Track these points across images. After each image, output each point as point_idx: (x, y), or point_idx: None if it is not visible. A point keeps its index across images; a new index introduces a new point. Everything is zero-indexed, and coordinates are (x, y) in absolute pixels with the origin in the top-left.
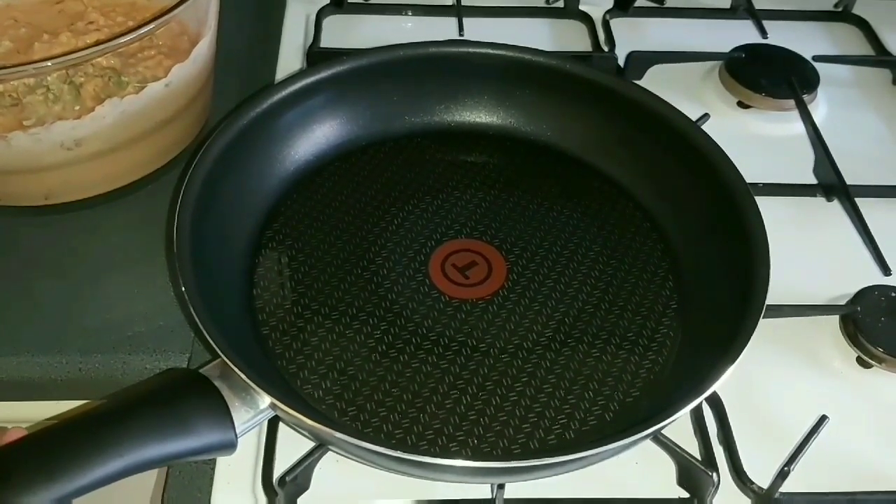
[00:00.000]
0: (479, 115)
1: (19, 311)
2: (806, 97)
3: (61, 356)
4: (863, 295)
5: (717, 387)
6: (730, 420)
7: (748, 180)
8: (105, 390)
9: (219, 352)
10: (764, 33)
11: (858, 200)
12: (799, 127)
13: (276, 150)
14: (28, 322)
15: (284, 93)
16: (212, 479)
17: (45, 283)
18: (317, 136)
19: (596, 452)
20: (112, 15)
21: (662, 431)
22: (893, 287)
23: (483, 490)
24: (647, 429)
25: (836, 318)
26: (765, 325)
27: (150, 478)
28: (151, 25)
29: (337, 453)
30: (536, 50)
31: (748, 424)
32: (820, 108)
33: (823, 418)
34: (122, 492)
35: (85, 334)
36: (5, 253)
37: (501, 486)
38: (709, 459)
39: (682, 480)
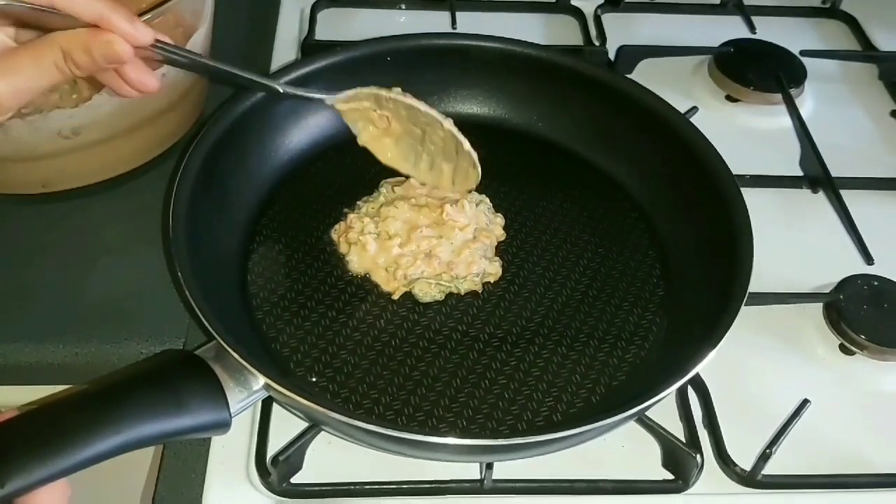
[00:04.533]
0: (471, 107)
1: (17, 297)
2: (793, 91)
3: (58, 342)
4: (846, 284)
5: (699, 369)
6: (714, 404)
7: (735, 172)
8: (101, 375)
9: (213, 333)
10: (752, 28)
11: (843, 192)
12: (786, 120)
13: (271, 140)
14: (25, 308)
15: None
16: (206, 458)
17: (41, 270)
18: (310, 126)
19: (582, 431)
20: None
21: (648, 414)
22: (876, 276)
23: (472, 471)
24: (631, 409)
25: (819, 306)
26: (750, 313)
27: (146, 457)
28: (147, 16)
29: (329, 434)
30: (528, 43)
31: (732, 408)
32: (807, 102)
33: (805, 402)
34: (119, 469)
35: (81, 320)
36: (3, 241)
37: (490, 466)
38: (693, 442)
39: (668, 462)
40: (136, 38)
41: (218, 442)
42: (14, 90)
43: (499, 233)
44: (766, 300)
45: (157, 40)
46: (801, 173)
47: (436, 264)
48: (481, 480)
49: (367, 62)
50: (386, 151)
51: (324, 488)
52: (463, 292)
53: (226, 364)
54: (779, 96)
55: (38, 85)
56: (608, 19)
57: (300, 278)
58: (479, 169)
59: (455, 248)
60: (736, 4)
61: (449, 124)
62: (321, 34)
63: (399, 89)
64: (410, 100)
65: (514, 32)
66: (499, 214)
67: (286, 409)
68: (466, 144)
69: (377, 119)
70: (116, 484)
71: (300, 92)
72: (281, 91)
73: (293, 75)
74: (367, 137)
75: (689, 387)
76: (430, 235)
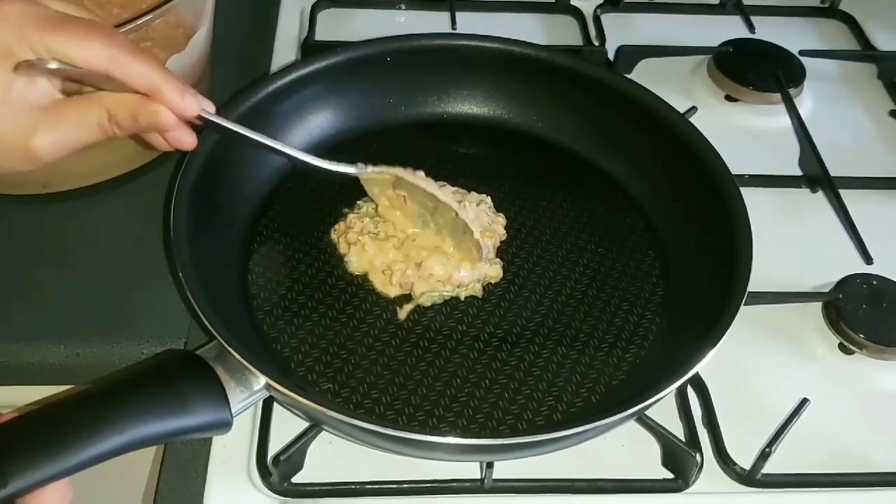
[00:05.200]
0: (471, 107)
1: (18, 298)
2: (792, 91)
3: (59, 342)
4: (845, 283)
5: (699, 369)
6: (714, 403)
7: (735, 172)
8: (102, 375)
9: (214, 333)
10: (752, 28)
11: (842, 192)
12: (785, 120)
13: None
14: (26, 309)
15: (279, 83)
16: (207, 458)
17: (43, 270)
18: (311, 126)
19: (582, 430)
20: (108, 7)
21: (648, 413)
22: (875, 275)
23: (472, 471)
24: (630, 408)
25: (818, 306)
26: (749, 312)
27: (147, 456)
28: (148, 17)
29: (330, 433)
30: (527, 43)
31: (732, 408)
32: (806, 102)
33: (804, 401)
34: (120, 468)
35: (83, 320)
36: (3, 241)
37: (490, 466)
38: (693, 441)
39: (667, 462)
40: (184, 110)
41: (219, 441)
42: (56, 144)
43: (500, 232)
44: (765, 299)
45: (203, 109)
46: (800, 173)
47: (426, 276)
48: (482, 480)
49: (367, 63)
50: (397, 219)
51: (325, 488)
52: (463, 297)
53: (227, 364)
54: (778, 96)
55: (79, 141)
56: (607, 19)
57: (301, 278)
58: (483, 254)
59: (452, 261)
60: (735, 4)
61: (463, 214)
62: (321, 34)
63: (422, 173)
64: (431, 186)
65: (514, 32)
66: (500, 214)
67: (287, 408)
68: (476, 234)
69: (394, 197)
70: (117, 483)
71: (333, 167)
72: (318, 166)
73: (294, 76)
74: (381, 207)
75: (689, 386)
76: (422, 246)
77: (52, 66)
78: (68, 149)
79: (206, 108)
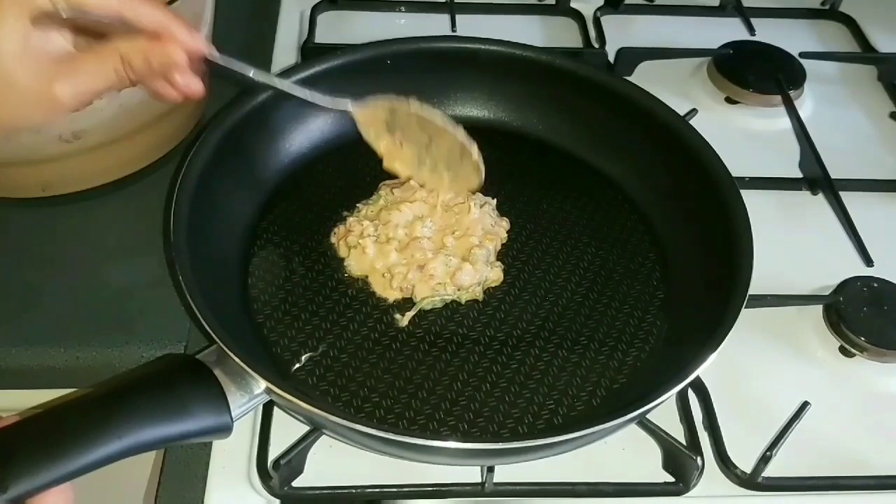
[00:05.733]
0: (471, 109)
1: (17, 301)
2: (792, 93)
3: (59, 346)
4: (846, 286)
5: (700, 372)
6: (715, 407)
7: (735, 174)
8: (102, 378)
9: (214, 337)
10: (752, 30)
11: (842, 194)
12: (785, 122)
13: (272, 143)
14: (26, 312)
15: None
16: (208, 462)
17: (42, 273)
18: (311, 129)
19: (583, 434)
20: None
21: (648, 417)
22: (875, 278)
23: (473, 474)
24: (631, 412)
25: (819, 308)
26: (750, 315)
27: (148, 460)
28: None
29: (331, 437)
30: (527, 45)
31: (733, 411)
32: (806, 104)
33: (805, 405)
34: (121, 472)
35: (82, 324)
36: (3, 244)
37: (491, 470)
38: (694, 445)
39: (668, 465)
40: (193, 47)
41: (219, 445)
42: (75, 92)
43: (503, 236)
44: (766, 302)
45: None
46: (800, 175)
47: (428, 277)
48: (482, 483)
49: (367, 65)
50: (393, 162)
51: (325, 492)
52: (464, 301)
53: (227, 368)
54: (778, 98)
55: (97, 88)
56: (607, 21)
57: (301, 282)
58: (483, 175)
59: (455, 262)
60: (735, 6)
61: (461, 134)
62: (321, 37)
63: (415, 99)
64: (426, 111)
65: (514, 35)
66: (504, 218)
67: (287, 412)
68: (475, 153)
69: (390, 143)
70: (118, 487)
71: (329, 103)
72: (314, 101)
73: (294, 79)
74: (385, 161)
75: (690, 389)
76: (427, 248)
77: (65, 13)
78: (88, 96)
79: (211, 50)
